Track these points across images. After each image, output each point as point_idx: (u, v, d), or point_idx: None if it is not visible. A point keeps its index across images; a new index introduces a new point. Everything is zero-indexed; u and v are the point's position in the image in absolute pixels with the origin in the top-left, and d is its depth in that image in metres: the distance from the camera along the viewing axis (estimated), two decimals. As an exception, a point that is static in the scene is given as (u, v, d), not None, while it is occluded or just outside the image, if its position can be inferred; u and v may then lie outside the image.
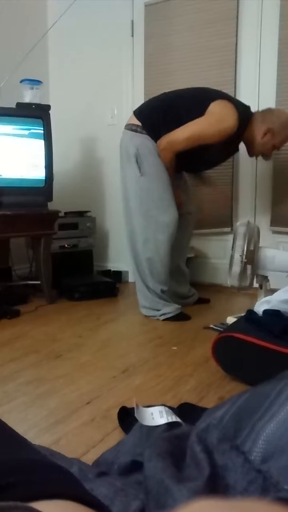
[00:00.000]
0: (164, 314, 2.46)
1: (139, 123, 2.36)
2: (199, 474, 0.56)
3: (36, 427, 1.34)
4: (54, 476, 0.44)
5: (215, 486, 0.54)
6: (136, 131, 2.36)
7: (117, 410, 1.36)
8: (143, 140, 2.33)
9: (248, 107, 2.38)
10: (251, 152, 2.47)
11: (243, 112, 2.29)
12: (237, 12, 3.02)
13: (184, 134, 2.24)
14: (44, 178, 2.85)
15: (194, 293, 2.79)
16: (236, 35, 3.04)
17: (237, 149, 2.57)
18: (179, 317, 2.45)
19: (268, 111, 2.40)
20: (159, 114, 2.33)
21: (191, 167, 2.60)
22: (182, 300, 2.66)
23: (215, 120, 2.22)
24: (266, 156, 2.53)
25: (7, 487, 0.40)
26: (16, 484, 0.40)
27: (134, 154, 2.34)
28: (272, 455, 0.54)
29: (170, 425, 0.98)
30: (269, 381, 0.68)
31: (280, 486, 0.51)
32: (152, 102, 2.47)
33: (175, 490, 0.53)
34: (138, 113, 2.41)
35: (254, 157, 3.08)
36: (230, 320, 2.24)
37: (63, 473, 0.46)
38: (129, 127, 2.39)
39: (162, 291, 2.49)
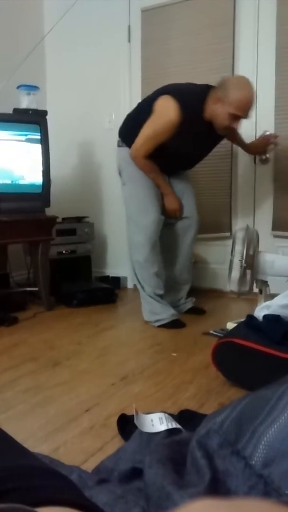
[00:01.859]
0: (158, 320, 2.46)
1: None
2: (200, 480, 0.55)
3: (35, 436, 1.32)
4: (53, 482, 0.43)
5: (216, 492, 0.53)
6: (118, 145, 2.52)
7: (117, 417, 1.34)
8: (123, 153, 2.46)
9: (200, 90, 2.33)
10: (218, 129, 2.37)
11: (186, 99, 2.26)
12: (234, 16, 3.03)
13: (140, 139, 2.33)
14: (41, 184, 2.84)
15: (185, 303, 2.73)
16: (233, 39, 3.05)
17: (220, 136, 2.51)
18: (173, 324, 2.44)
19: (219, 82, 2.33)
20: (131, 123, 2.44)
21: (174, 166, 2.56)
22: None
23: (156, 118, 2.28)
24: (262, 155, 2.58)
25: (6, 492, 0.39)
26: (15, 489, 0.39)
27: (118, 167, 2.55)
28: (273, 460, 0.53)
29: (170, 432, 0.96)
30: (270, 385, 0.67)
31: (282, 491, 0.50)
32: (129, 113, 2.55)
33: (176, 496, 0.52)
34: (120, 127, 2.54)
35: (253, 161, 3.10)
36: (230, 325, 2.23)
37: (62, 480, 0.45)
38: (117, 143, 2.54)
39: (158, 295, 2.49)
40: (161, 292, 2.51)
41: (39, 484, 0.41)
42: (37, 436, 1.32)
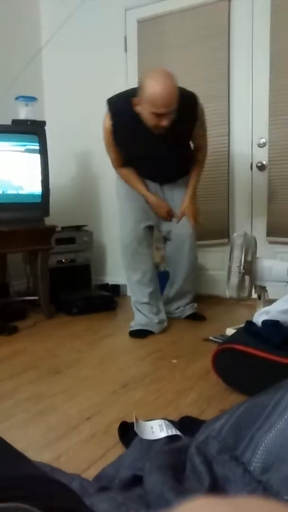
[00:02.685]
0: (130, 326, 2.51)
1: None
2: (199, 486, 0.56)
3: (36, 444, 1.33)
4: (53, 491, 0.44)
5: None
6: None
7: (118, 425, 1.34)
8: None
9: (131, 92, 2.22)
10: (152, 129, 2.24)
11: (116, 105, 2.28)
12: (229, 26, 3.07)
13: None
14: (40, 193, 2.86)
15: (184, 309, 2.73)
16: (228, 49, 3.09)
17: (176, 129, 2.24)
18: (135, 334, 2.44)
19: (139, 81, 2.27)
20: None
21: (153, 171, 2.48)
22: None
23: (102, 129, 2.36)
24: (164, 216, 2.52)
25: (7, 501, 0.40)
26: (15, 498, 0.39)
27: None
28: (272, 466, 0.54)
29: (170, 439, 0.97)
30: (267, 391, 0.68)
31: (281, 496, 0.50)
32: None
33: (175, 502, 0.53)
34: None
35: (250, 167, 3.12)
36: (230, 331, 2.23)
37: (63, 488, 0.46)
38: None
39: (142, 303, 2.52)
40: (144, 300, 2.51)
41: (40, 492, 0.42)
42: (38, 444, 1.32)
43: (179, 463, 0.63)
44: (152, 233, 2.60)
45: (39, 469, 0.51)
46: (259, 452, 0.56)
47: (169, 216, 2.55)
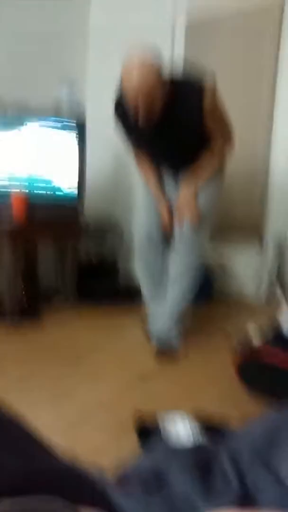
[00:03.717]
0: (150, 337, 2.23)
1: None
2: (229, 493, 0.53)
3: (49, 428, 1.31)
4: (82, 484, 0.42)
5: (245, 505, 0.51)
6: None
7: (134, 415, 1.32)
8: None
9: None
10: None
11: (118, 94, 2.07)
12: (279, 34, 2.99)
13: None
14: (76, 190, 2.88)
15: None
16: (277, 56, 3.00)
17: (179, 116, 2.02)
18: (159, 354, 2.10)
19: None
20: None
21: (165, 161, 2.25)
22: None
23: None
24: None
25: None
26: (48, 490, 0.38)
27: None
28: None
29: (195, 441, 0.94)
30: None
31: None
32: None
33: (202, 509, 0.50)
34: None
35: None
36: (252, 327, 2.16)
37: (90, 482, 0.44)
38: None
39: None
40: (149, 307, 2.29)
41: (68, 485, 0.40)
42: (52, 429, 1.31)
43: (206, 468, 0.61)
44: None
45: (66, 461, 0.50)
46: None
47: (166, 229, 2.24)
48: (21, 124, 2.70)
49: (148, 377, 1.75)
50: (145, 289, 2.33)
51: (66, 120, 2.86)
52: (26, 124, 2.70)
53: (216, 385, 1.67)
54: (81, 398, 1.55)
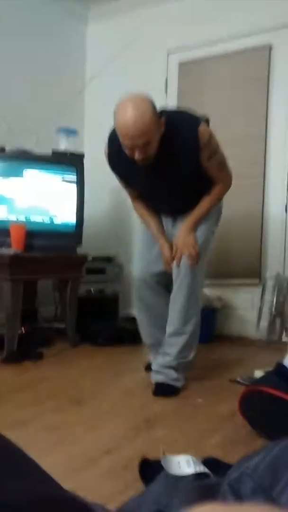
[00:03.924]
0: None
1: None
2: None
3: (53, 475, 1.29)
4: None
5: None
6: None
7: (138, 461, 1.29)
8: None
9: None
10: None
11: (110, 135, 2.13)
12: (268, 73, 3.13)
13: None
14: (75, 223, 2.92)
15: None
16: (267, 94, 3.15)
17: (177, 162, 2.03)
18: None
19: None
20: None
21: (163, 207, 2.25)
22: None
23: None
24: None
25: None
26: None
27: None
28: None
29: (197, 476, 0.92)
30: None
31: None
32: None
33: None
34: None
35: (285, 211, 3.10)
36: (258, 374, 2.16)
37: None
38: None
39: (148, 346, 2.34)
40: (147, 343, 2.33)
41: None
42: (55, 475, 1.28)
43: (208, 501, 0.60)
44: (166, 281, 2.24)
45: (67, 491, 0.50)
46: (296, 495, 0.52)
47: (166, 267, 2.19)
48: (22, 171, 2.79)
49: (152, 422, 1.72)
50: (144, 336, 2.30)
51: (65, 164, 2.94)
52: (26, 171, 2.79)
53: (223, 431, 1.63)
54: (85, 443, 1.52)
